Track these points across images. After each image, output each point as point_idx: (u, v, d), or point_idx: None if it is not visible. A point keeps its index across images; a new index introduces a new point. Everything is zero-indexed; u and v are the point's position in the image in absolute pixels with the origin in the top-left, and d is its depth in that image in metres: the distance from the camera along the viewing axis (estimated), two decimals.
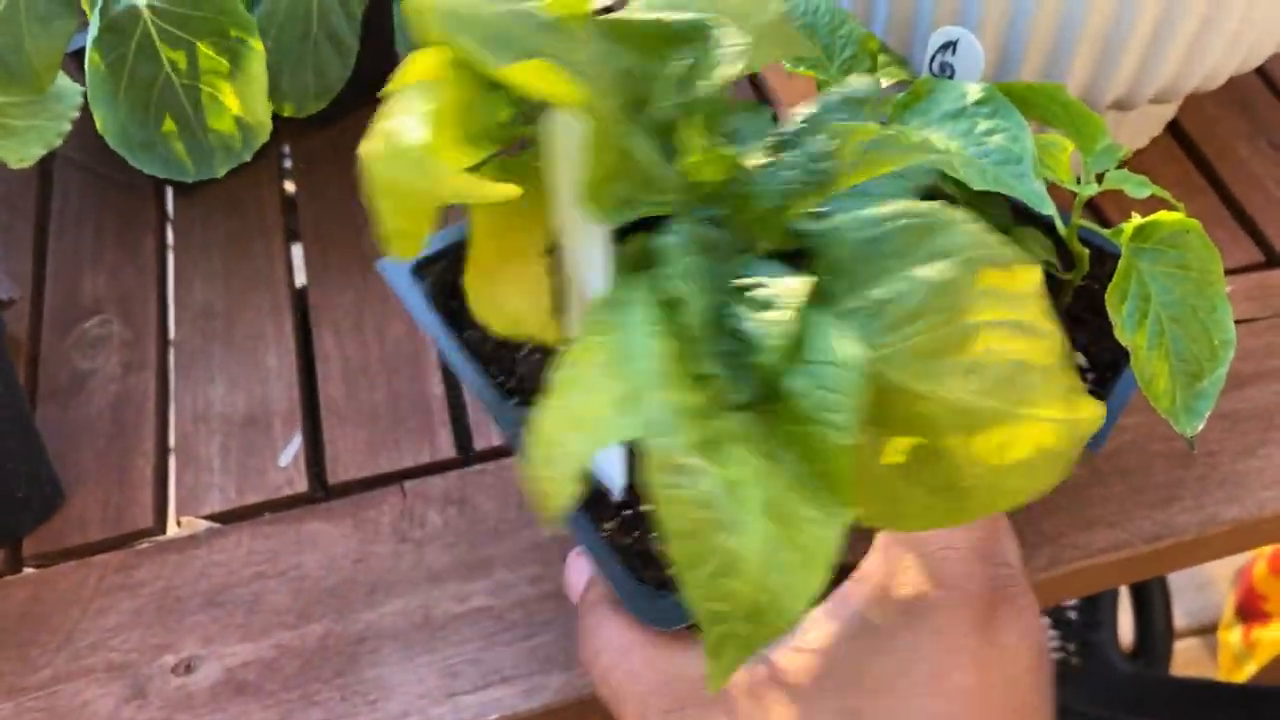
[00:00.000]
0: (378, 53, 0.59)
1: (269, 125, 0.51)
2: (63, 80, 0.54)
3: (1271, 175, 0.67)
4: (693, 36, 0.32)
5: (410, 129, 0.28)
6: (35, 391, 0.62)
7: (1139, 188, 0.45)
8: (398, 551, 0.55)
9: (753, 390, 0.29)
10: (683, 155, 0.32)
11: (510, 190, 0.29)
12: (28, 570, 0.56)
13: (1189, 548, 0.55)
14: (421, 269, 0.45)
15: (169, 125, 0.49)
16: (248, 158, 0.51)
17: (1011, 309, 0.29)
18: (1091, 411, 0.31)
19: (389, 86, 0.30)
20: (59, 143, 0.53)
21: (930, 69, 0.51)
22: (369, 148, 0.29)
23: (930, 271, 0.29)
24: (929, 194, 0.39)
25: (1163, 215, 0.42)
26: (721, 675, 0.27)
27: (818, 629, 0.36)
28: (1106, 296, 0.41)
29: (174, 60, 0.48)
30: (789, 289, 0.29)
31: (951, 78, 0.51)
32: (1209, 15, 0.52)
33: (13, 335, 0.64)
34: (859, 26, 0.49)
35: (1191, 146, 0.69)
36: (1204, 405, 0.41)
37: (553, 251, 0.36)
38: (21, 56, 0.50)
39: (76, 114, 0.54)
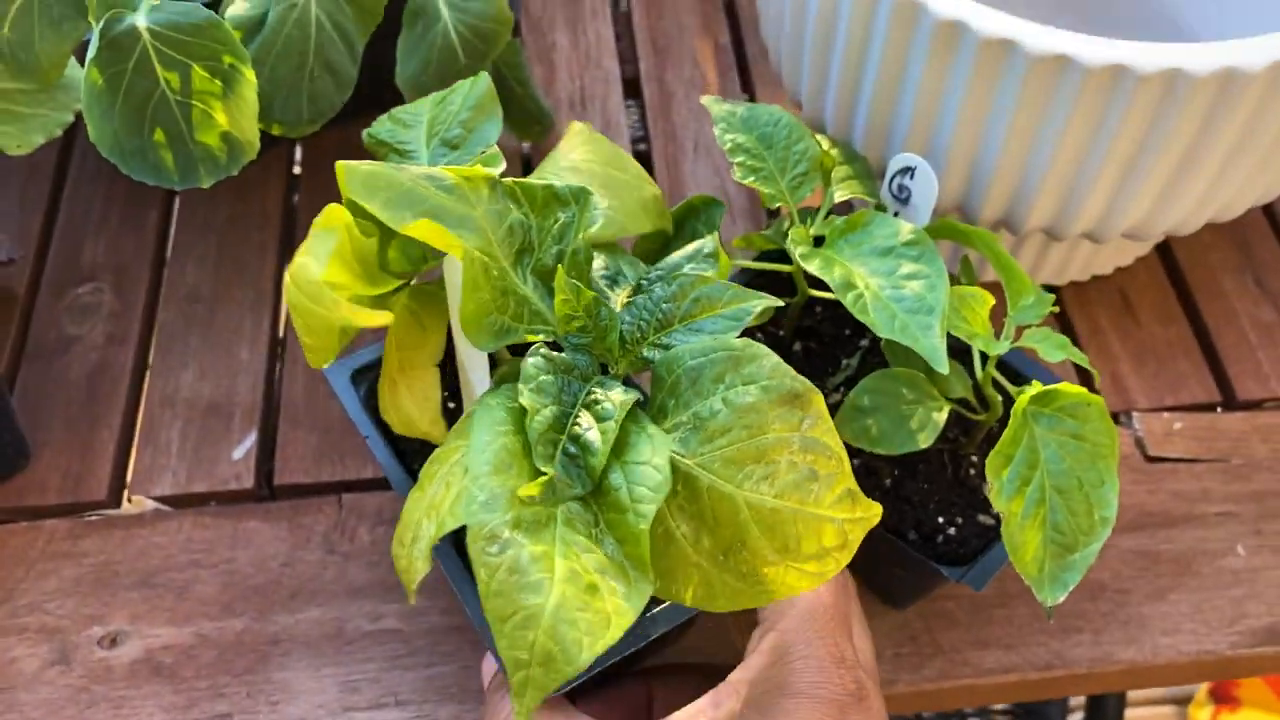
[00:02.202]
0: (392, 60, 0.60)
1: (256, 145, 0.54)
2: (70, 72, 0.57)
3: (1250, 315, 0.67)
4: (573, 200, 0.38)
5: (312, 266, 0.33)
6: (23, 349, 0.66)
7: (1053, 351, 0.46)
8: (324, 561, 0.58)
9: (584, 484, 0.35)
10: (556, 294, 0.38)
11: (384, 317, 0.35)
12: None
13: (1079, 680, 0.56)
14: (358, 375, 0.51)
15: (159, 136, 0.52)
16: (234, 172, 0.54)
17: (803, 428, 0.35)
18: (869, 511, 0.36)
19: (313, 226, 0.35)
20: (59, 133, 0.56)
21: (889, 189, 0.52)
22: (287, 283, 0.34)
23: (738, 395, 0.36)
24: None
25: (1065, 387, 0.43)
26: (524, 713, 0.32)
27: None
28: (988, 460, 0.42)
29: (169, 79, 0.51)
30: (620, 402, 0.36)
31: (908, 201, 0.52)
32: (1179, 169, 0.52)
33: (10, 292, 0.68)
34: (816, 144, 0.50)
35: (1177, 271, 0.69)
36: (1071, 578, 0.43)
37: (445, 365, 0.40)
38: (31, 53, 0.53)
39: (79, 106, 0.57)
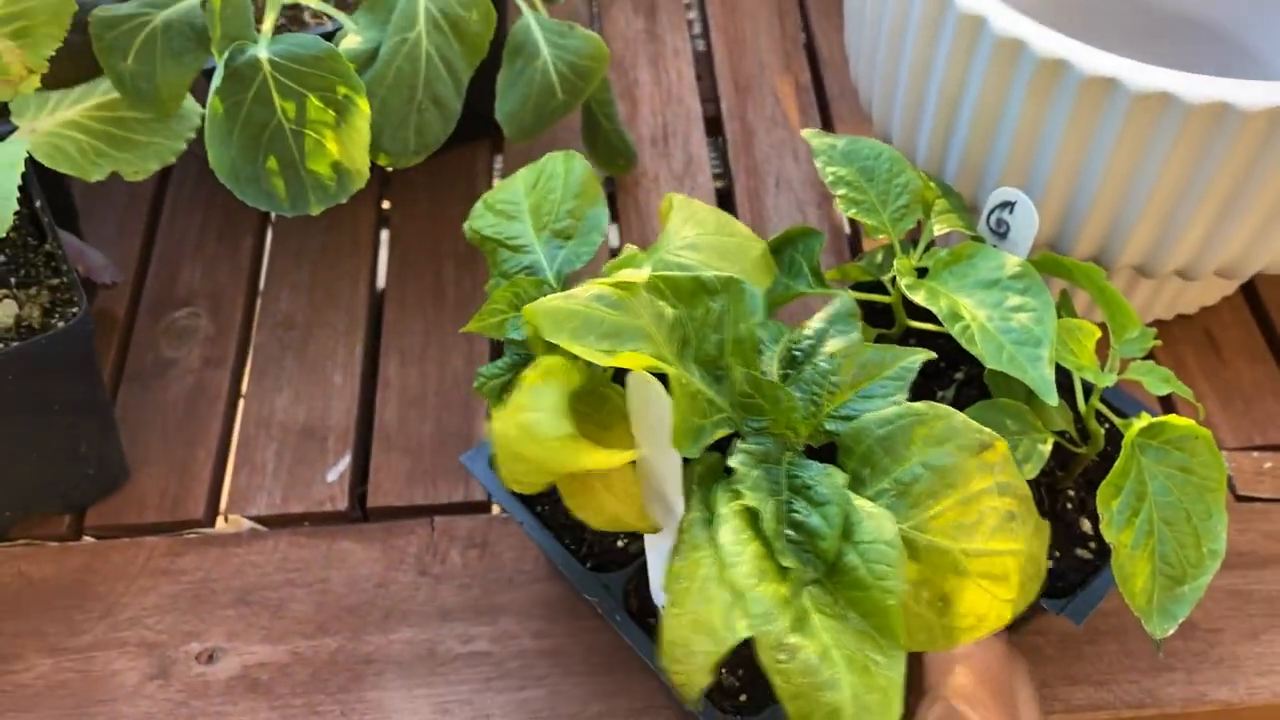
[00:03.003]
0: (486, 96, 0.62)
1: (366, 174, 0.55)
2: (186, 101, 0.59)
3: None
4: (721, 288, 0.41)
5: (545, 422, 0.36)
6: (122, 371, 0.67)
7: (1159, 384, 0.46)
8: (416, 583, 0.59)
9: (817, 568, 0.37)
10: (731, 384, 0.41)
11: (624, 457, 0.37)
12: (86, 539, 0.61)
13: (1172, 719, 0.56)
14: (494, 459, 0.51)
15: (272, 164, 0.53)
16: (343, 200, 0.55)
17: (995, 474, 0.38)
18: (1047, 534, 0.39)
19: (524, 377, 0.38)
20: (173, 160, 0.58)
21: (987, 223, 0.53)
22: (503, 427, 0.37)
23: (935, 458, 0.38)
24: None
25: (1173, 419, 0.43)
26: None
27: None
28: (1099, 491, 0.42)
29: (285, 109, 0.52)
30: (834, 486, 0.38)
31: (1006, 235, 0.52)
32: (1275, 208, 0.52)
33: (111, 314, 0.70)
34: (917, 177, 0.51)
35: (1262, 311, 0.69)
36: (1180, 610, 0.42)
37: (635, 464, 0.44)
38: (152, 83, 0.55)
39: (193, 134, 0.59)
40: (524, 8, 0.62)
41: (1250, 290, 0.70)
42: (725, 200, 0.76)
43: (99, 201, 0.75)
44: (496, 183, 0.58)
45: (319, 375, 0.67)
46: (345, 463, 0.63)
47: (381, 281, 0.73)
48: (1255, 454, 0.63)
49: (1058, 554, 0.51)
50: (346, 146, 0.54)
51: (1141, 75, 0.48)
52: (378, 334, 0.70)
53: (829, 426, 0.41)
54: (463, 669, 0.56)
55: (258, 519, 0.62)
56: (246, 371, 0.68)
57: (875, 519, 0.37)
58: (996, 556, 0.38)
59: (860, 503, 0.38)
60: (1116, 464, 0.43)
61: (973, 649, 0.46)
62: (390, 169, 0.76)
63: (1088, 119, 0.51)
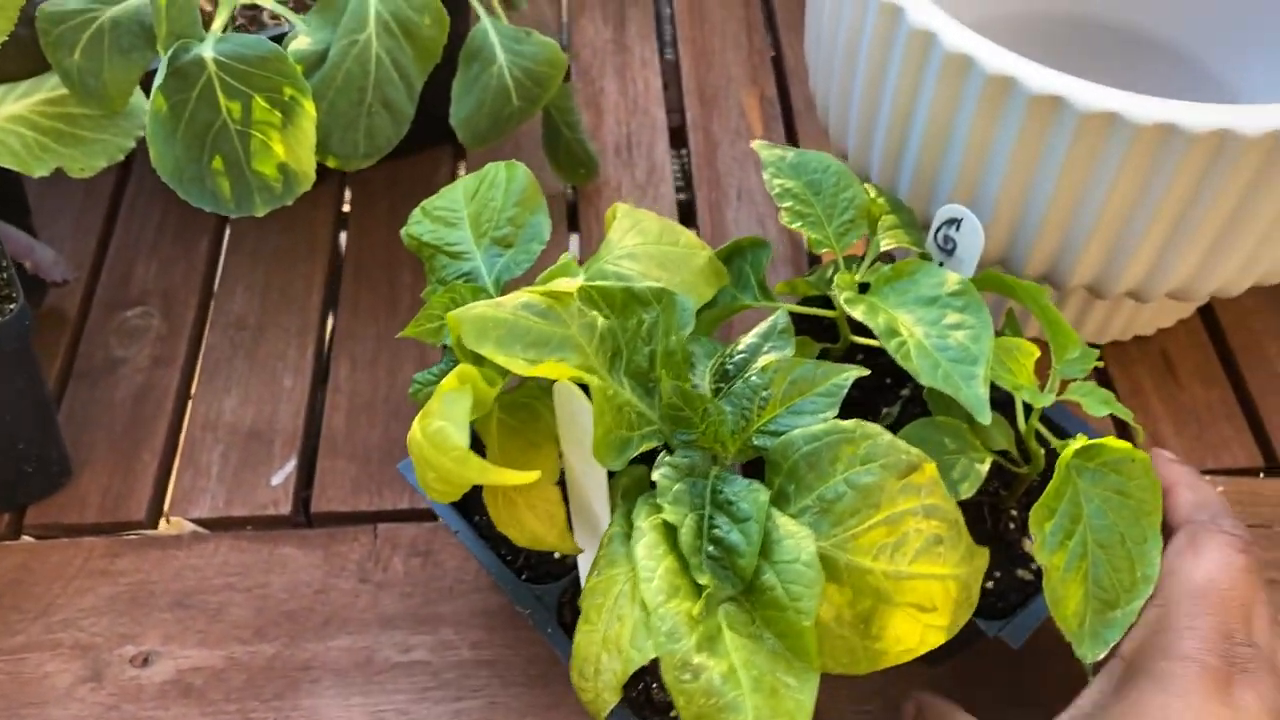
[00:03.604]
0: (448, 100, 0.62)
1: (312, 176, 0.55)
2: (135, 99, 0.58)
3: None
4: (654, 299, 0.41)
5: (452, 432, 0.36)
6: (71, 369, 0.67)
7: (1098, 406, 0.45)
8: (357, 590, 0.58)
9: (735, 585, 0.37)
10: (660, 396, 0.40)
11: (530, 476, 0.36)
12: (25, 539, 0.61)
13: None
14: None
15: (218, 163, 0.53)
16: (288, 201, 0.55)
17: (922, 496, 0.38)
18: (983, 560, 0.40)
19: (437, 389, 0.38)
20: (121, 158, 0.57)
21: (935, 240, 0.53)
22: (415, 437, 0.37)
23: (860, 476, 0.38)
24: None
25: (1110, 441, 0.43)
26: None
27: (1088, 696, 0.44)
28: (1032, 513, 0.42)
29: (231, 109, 0.52)
30: (756, 502, 0.38)
31: (953, 252, 0.52)
32: (1226, 231, 0.52)
33: (63, 312, 0.69)
34: (863, 192, 0.51)
35: (1219, 334, 0.69)
36: (1112, 635, 0.42)
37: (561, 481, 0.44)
38: (99, 79, 0.55)
39: (142, 132, 0.58)
40: (481, 13, 0.62)
41: (1207, 313, 0.70)
42: (687, 211, 0.76)
43: (56, 197, 0.74)
44: None
45: (269, 377, 0.66)
46: (291, 467, 0.63)
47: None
48: (1206, 478, 0.63)
49: (998, 574, 0.50)
50: (293, 148, 0.54)
51: (1089, 94, 0.48)
52: (330, 339, 0.69)
53: (757, 441, 0.41)
54: (400, 678, 0.56)
55: (200, 521, 0.61)
56: (196, 372, 0.67)
57: (795, 538, 0.37)
58: (922, 580, 0.38)
59: (782, 520, 0.38)
60: (1050, 486, 0.42)
61: (1202, 568, 0.44)
62: (348, 175, 0.76)
63: (1036, 137, 0.50)
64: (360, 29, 0.54)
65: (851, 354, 0.56)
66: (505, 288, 0.48)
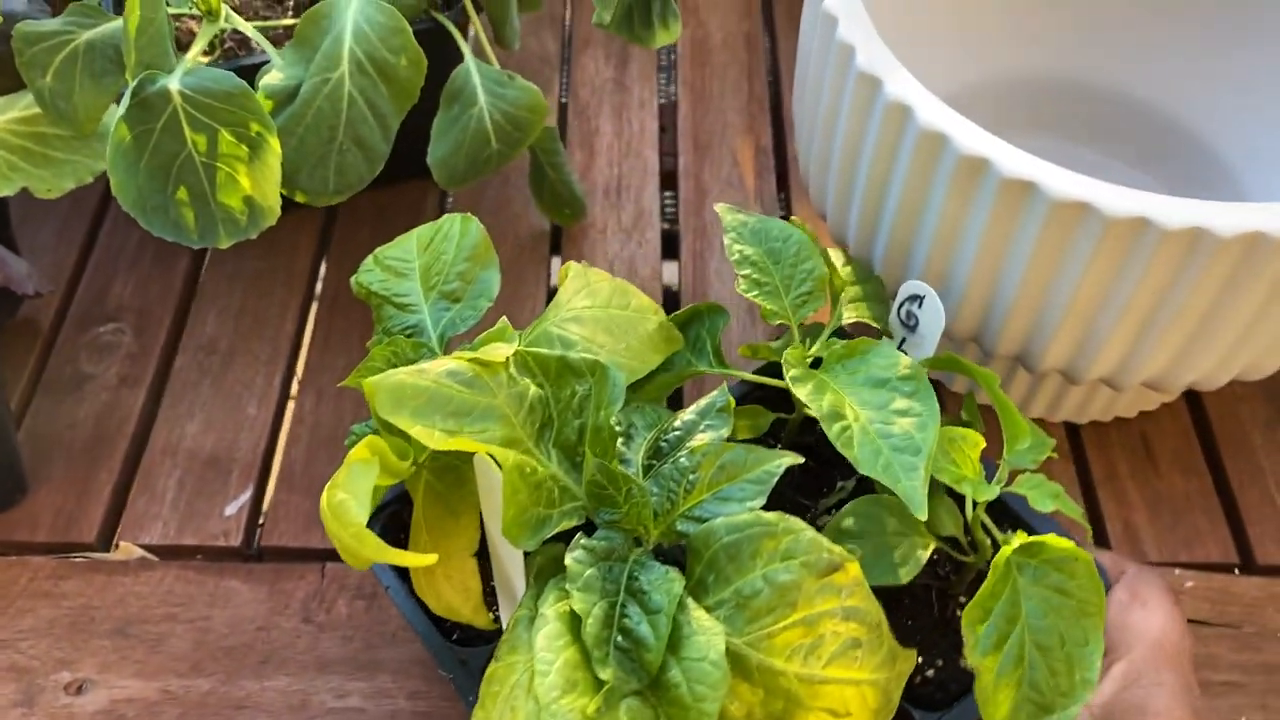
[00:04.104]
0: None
1: (277, 211, 0.54)
2: (108, 121, 0.58)
3: (1277, 474, 0.65)
4: (588, 371, 0.40)
5: (353, 508, 0.35)
6: (38, 381, 0.66)
7: (1045, 500, 0.44)
8: (299, 630, 0.58)
9: (641, 678, 0.36)
10: (585, 472, 0.39)
11: (426, 559, 0.36)
12: None
13: None
14: (375, 514, 0.50)
15: (183, 194, 0.53)
16: (253, 235, 0.54)
17: (843, 598, 0.37)
18: (908, 663, 0.38)
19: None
20: (90, 180, 0.57)
21: (898, 315, 0.52)
22: (322, 506, 0.36)
23: (779, 573, 0.37)
24: None
25: (1051, 538, 0.42)
26: None
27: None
28: (964, 612, 0.40)
29: (196, 141, 0.52)
30: (670, 593, 0.37)
31: (915, 328, 0.51)
32: (1201, 326, 0.51)
33: (36, 324, 0.69)
34: (823, 265, 0.50)
35: (1204, 420, 0.67)
36: None
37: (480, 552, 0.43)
38: (69, 102, 0.55)
39: None
40: (466, 54, 0.61)
41: (1193, 397, 0.68)
42: (671, 257, 0.75)
43: (41, 208, 0.74)
44: None
45: (234, 404, 0.66)
46: (246, 497, 0.62)
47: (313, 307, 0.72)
48: (1178, 571, 0.61)
49: (940, 662, 0.49)
50: (259, 182, 0.54)
51: (1061, 182, 0.47)
52: (298, 369, 0.69)
53: (680, 527, 0.40)
54: None
55: (150, 548, 0.61)
56: (163, 394, 0.67)
57: (706, 634, 0.36)
58: (836, 685, 0.37)
59: (696, 614, 0.37)
60: (985, 585, 0.41)
61: (1155, 620, 0.46)
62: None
63: (1007, 220, 0.49)
64: (333, 67, 0.54)
65: (810, 424, 0.55)
66: (449, 344, 0.47)
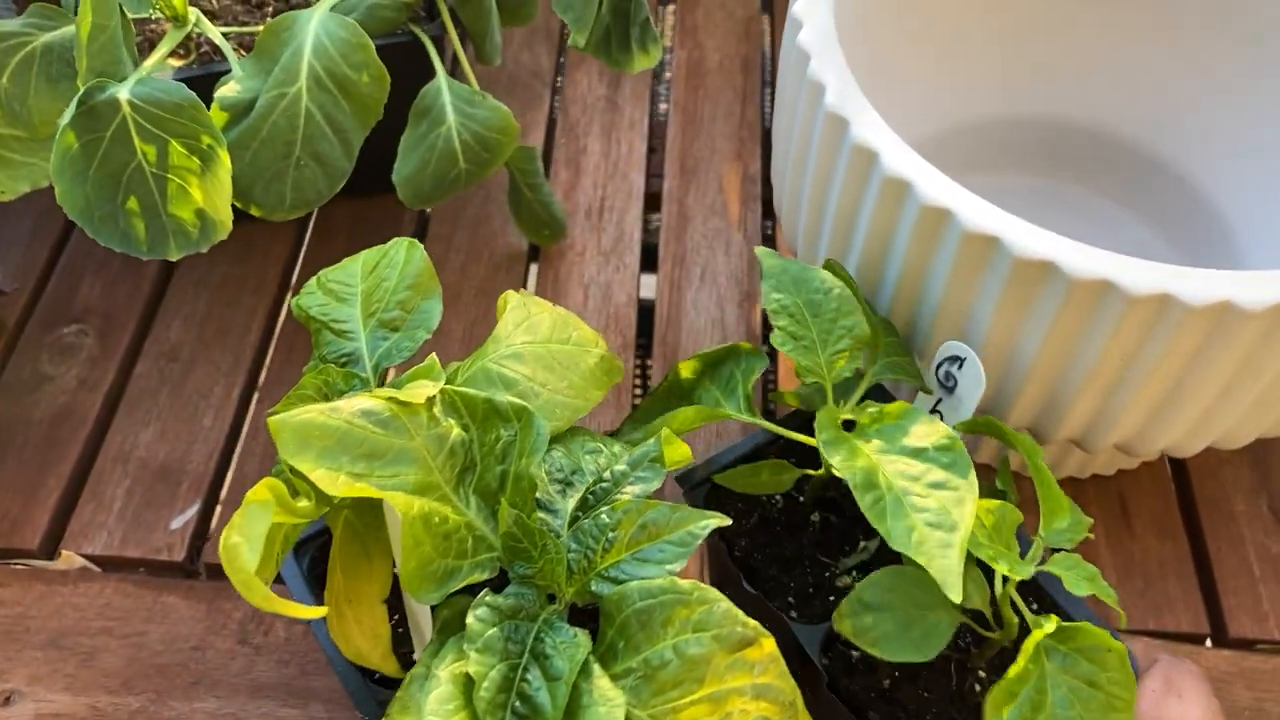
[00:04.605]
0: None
1: (229, 225, 0.53)
2: None
3: (1258, 543, 0.62)
4: (515, 417, 0.39)
5: (245, 552, 0.34)
6: None
7: (1080, 584, 0.42)
8: (234, 652, 0.56)
9: None
10: (500, 524, 0.38)
11: (314, 612, 0.35)
12: None
13: None
14: (301, 546, 0.49)
15: (133, 204, 0.52)
16: (204, 248, 0.53)
17: (755, 675, 0.35)
18: None
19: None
20: (46, 184, 0.56)
21: (936, 375, 0.50)
22: (221, 544, 0.34)
23: (689, 645, 0.35)
24: None
25: (1086, 626, 0.40)
26: None
27: None
28: (990, 695, 0.38)
29: (146, 152, 0.50)
30: (573, 659, 0.35)
31: (953, 390, 0.49)
32: (1172, 392, 0.48)
33: (1, 322, 0.68)
34: (864, 322, 0.48)
35: (1184, 482, 0.65)
36: None
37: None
38: (24, 105, 0.54)
39: None
40: (439, 70, 0.60)
41: (1176, 459, 0.66)
42: (653, 257, 0.73)
43: (16, 204, 0.74)
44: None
45: (190, 414, 0.65)
46: (193, 511, 0.61)
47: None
48: (1144, 639, 0.59)
49: None
50: (211, 195, 0.52)
51: (1025, 238, 0.45)
52: (259, 379, 0.67)
53: (595, 587, 0.38)
54: None
55: (92, 558, 0.60)
56: (120, 400, 0.66)
57: (607, 705, 0.34)
58: None
59: (600, 683, 0.35)
60: (1015, 666, 0.38)
61: (1192, 713, 0.45)
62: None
63: (970, 274, 0.47)
64: (290, 82, 0.53)
65: (834, 480, 0.52)
66: (384, 375, 0.46)
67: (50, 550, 0.60)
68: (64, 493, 0.62)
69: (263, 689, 0.55)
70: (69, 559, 0.60)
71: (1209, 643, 0.60)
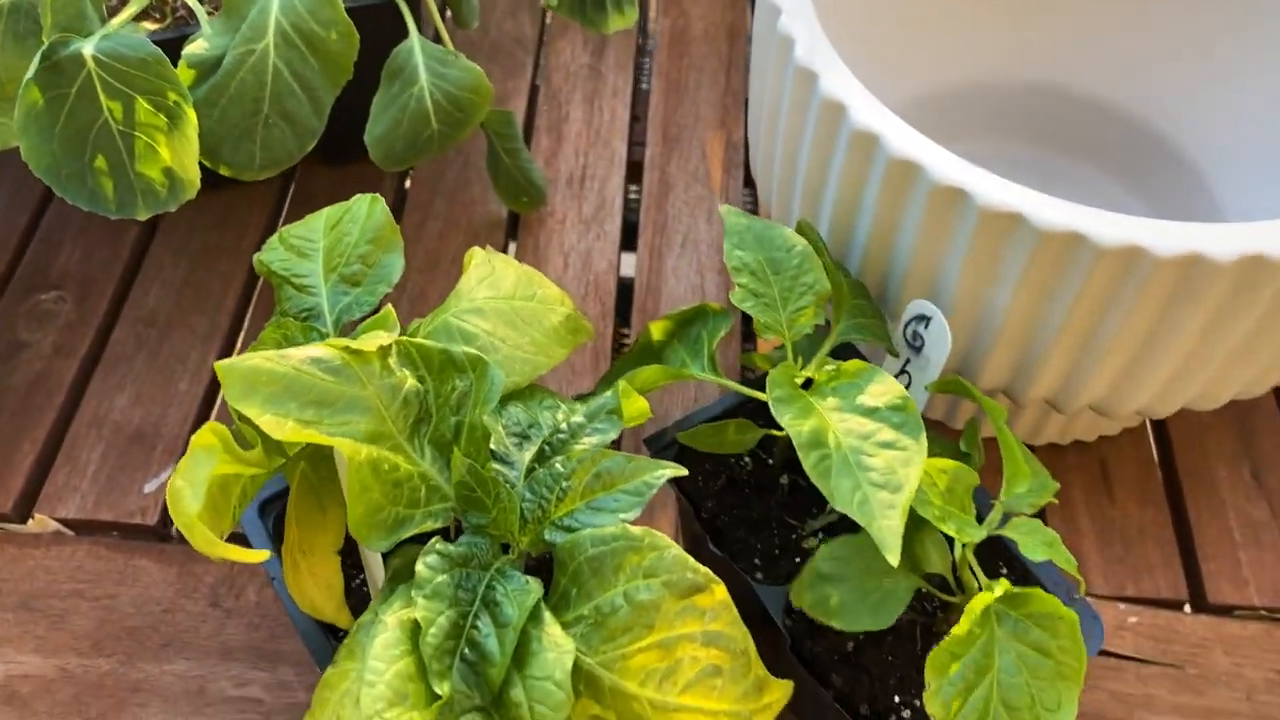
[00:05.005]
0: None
1: (197, 183, 0.53)
2: None
3: (1240, 510, 0.62)
4: (470, 367, 0.38)
5: (188, 497, 0.33)
6: None
7: (1037, 549, 0.41)
8: (205, 614, 0.56)
9: (484, 694, 0.34)
10: (454, 473, 0.37)
11: (257, 556, 0.34)
12: None
13: None
14: (267, 505, 0.49)
15: (101, 163, 0.51)
16: (172, 208, 0.53)
17: (705, 621, 0.35)
18: (777, 694, 0.36)
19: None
20: (15, 144, 0.56)
21: (904, 335, 0.49)
22: (169, 488, 0.34)
23: (639, 591, 0.35)
24: None
25: (1038, 592, 0.39)
26: None
27: None
28: (930, 656, 0.37)
29: (113, 109, 0.50)
30: (523, 605, 0.35)
31: (920, 349, 0.48)
32: (1142, 349, 0.48)
33: None
34: (825, 279, 0.47)
35: (1167, 449, 0.64)
36: None
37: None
38: None
39: None
40: (411, 30, 0.59)
41: (1158, 424, 0.65)
42: (631, 250, 0.73)
43: (2, 165, 0.74)
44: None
45: (166, 378, 0.65)
46: (167, 475, 0.61)
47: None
48: (1122, 605, 0.58)
49: (918, 703, 0.46)
50: (179, 153, 0.52)
51: (993, 190, 0.44)
52: (235, 343, 0.67)
53: (549, 536, 0.38)
54: (230, 713, 0.53)
55: (65, 521, 0.60)
56: (98, 366, 0.66)
57: (555, 652, 0.34)
58: (690, 714, 0.35)
59: (550, 630, 0.35)
60: (958, 628, 0.38)
61: None
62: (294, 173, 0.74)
63: (938, 227, 0.47)
64: (258, 39, 0.52)
65: None
66: (344, 329, 0.45)
67: (24, 514, 0.60)
68: (39, 457, 0.61)
69: (233, 652, 0.55)
70: (42, 522, 0.59)
71: (1188, 608, 0.59)
